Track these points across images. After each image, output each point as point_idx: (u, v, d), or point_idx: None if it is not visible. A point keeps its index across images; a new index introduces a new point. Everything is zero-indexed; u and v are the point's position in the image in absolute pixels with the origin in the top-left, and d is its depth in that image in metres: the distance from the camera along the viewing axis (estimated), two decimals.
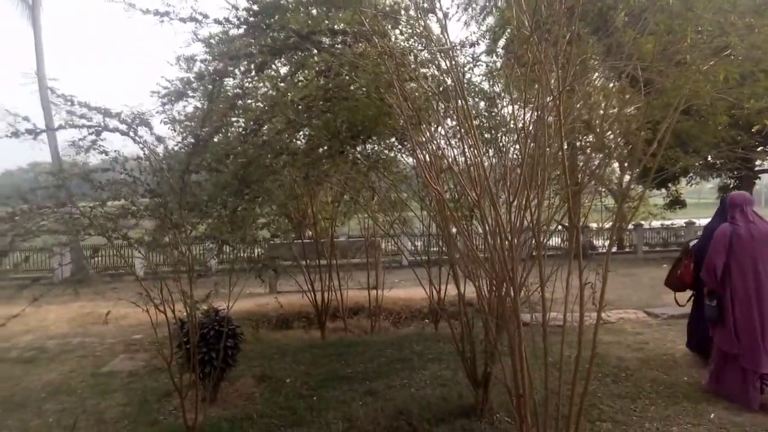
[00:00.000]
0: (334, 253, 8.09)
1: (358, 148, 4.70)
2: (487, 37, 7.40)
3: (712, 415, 4.38)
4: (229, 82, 4.14)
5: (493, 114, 5.00)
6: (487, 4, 10.47)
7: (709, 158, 15.63)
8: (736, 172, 16.48)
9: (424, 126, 3.51)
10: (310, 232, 8.69)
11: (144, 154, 3.98)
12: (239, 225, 5.48)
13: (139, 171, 3.90)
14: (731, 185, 17.31)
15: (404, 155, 5.29)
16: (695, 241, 5.76)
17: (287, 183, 5.61)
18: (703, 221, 22.11)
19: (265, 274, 5.21)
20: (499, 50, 6.08)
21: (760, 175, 16.15)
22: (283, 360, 6.27)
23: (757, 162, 16.14)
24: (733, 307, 4.72)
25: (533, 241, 3.66)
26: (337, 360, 6.18)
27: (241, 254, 6.98)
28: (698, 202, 24.11)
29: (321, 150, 4.36)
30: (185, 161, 3.59)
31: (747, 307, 4.66)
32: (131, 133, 3.81)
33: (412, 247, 8.29)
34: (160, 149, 4.17)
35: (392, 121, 3.54)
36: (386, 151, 5.16)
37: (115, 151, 3.84)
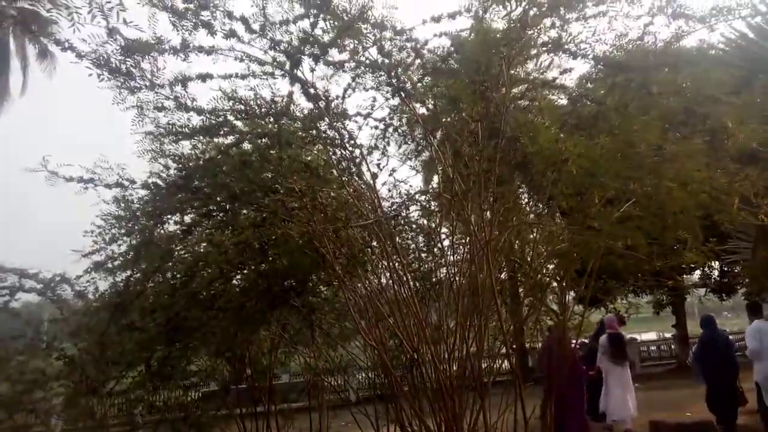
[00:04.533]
0: (272, 398, 7.58)
1: (296, 297, 4.60)
2: (421, 174, 7.79)
3: None
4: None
5: (431, 248, 5.10)
6: (422, 142, 11.20)
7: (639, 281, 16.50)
8: (667, 289, 17.33)
9: (360, 274, 3.50)
10: (248, 376, 8.17)
11: (61, 314, 3.74)
12: (165, 378, 5.11)
13: (54, 335, 3.64)
14: (664, 301, 18.06)
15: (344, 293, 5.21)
16: None
17: (220, 330, 5.35)
18: (645, 336, 22.69)
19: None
20: (433, 188, 6.36)
21: (689, 292, 16.97)
22: None
23: (684, 276, 17.14)
24: None
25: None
26: None
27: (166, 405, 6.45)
28: (636, 317, 24.91)
29: (254, 304, 4.23)
30: (105, 320, 3.38)
31: None
32: (48, 293, 3.60)
33: (359, 382, 7.93)
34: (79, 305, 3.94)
35: (325, 272, 3.51)
36: (324, 292, 5.06)
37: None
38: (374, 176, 3.14)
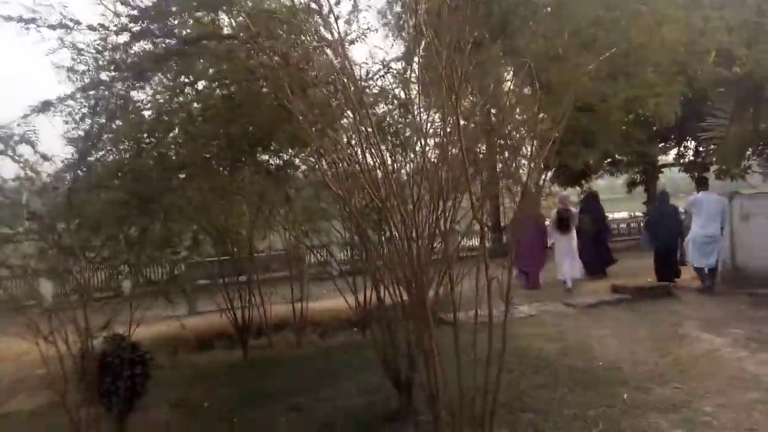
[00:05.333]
0: (253, 268, 7.84)
1: (265, 157, 4.55)
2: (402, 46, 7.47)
3: (625, 396, 4.55)
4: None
5: (407, 120, 5.01)
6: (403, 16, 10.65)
7: (616, 156, 16.72)
8: (641, 168, 17.68)
9: (329, 132, 3.43)
10: (230, 248, 8.37)
11: (26, 174, 3.65)
12: (143, 245, 5.16)
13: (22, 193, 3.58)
14: (638, 180, 18.49)
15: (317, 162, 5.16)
16: None
17: (197, 197, 5.35)
18: (617, 215, 23.51)
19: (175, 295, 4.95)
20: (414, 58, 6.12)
21: (662, 170, 17.31)
22: (201, 384, 5.96)
23: (660, 157, 17.41)
24: None
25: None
26: (260, 378, 5.95)
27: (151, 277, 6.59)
28: (611, 198, 25.74)
29: (221, 161, 4.16)
30: (71, 179, 3.31)
31: None
32: (9, 152, 3.49)
33: (339, 257, 8.21)
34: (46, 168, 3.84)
35: (293, 127, 3.40)
36: (296, 160, 5.02)
37: None
38: (344, 33, 2.97)
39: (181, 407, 5.20)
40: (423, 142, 4.27)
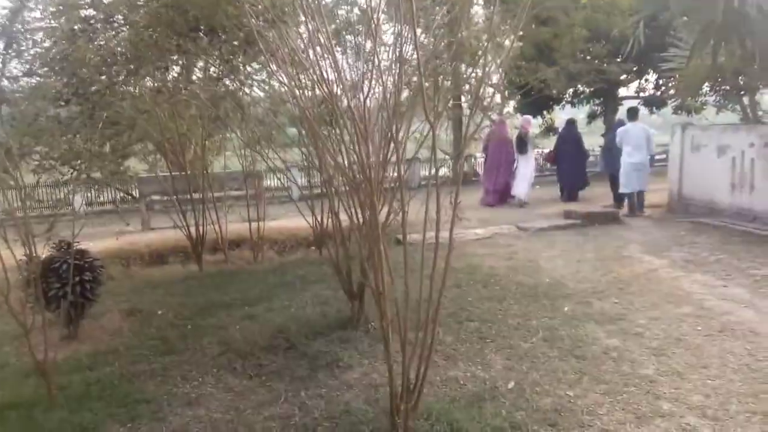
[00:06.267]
0: (208, 184, 7.68)
1: (203, 44, 4.25)
2: None
3: (566, 308, 4.79)
4: None
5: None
6: None
7: (579, 87, 16.78)
8: (601, 100, 17.84)
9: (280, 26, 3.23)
10: (184, 164, 8.12)
11: None
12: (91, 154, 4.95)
13: None
14: (599, 112, 18.70)
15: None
16: None
17: (143, 102, 5.08)
18: None
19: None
20: None
21: (622, 102, 17.48)
22: (154, 293, 5.95)
23: (620, 91, 17.55)
24: None
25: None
26: (215, 290, 5.98)
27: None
28: None
29: (163, 52, 3.90)
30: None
31: None
32: None
33: (299, 179, 8.08)
34: None
35: (236, 11, 3.18)
36: (239, 56, 4.72)
37: None
38: None
39: (133, 315, 5.21)
40: (377, 50, 4.11)
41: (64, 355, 4.23)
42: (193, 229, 7.29)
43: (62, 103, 3.59)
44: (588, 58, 11.07)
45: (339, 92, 2.92)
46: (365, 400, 3.31)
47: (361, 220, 3.85)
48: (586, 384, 3.48)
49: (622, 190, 9.40)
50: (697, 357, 3.77)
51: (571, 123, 12.49)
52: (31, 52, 3.32)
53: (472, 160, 20.42)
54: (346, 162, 3.33)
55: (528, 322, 4.52)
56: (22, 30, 3.04)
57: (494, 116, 19.12)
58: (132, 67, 3.76)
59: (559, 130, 18.11)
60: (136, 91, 4.51)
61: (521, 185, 11.44)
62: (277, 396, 3.52)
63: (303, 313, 4.90)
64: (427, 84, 3.13)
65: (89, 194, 13.43)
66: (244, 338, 4.43)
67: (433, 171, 2.86)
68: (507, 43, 5.30)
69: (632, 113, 9.77)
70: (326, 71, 2.92)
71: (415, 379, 2.83)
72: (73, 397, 3.50)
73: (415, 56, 3.73)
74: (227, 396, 3.58)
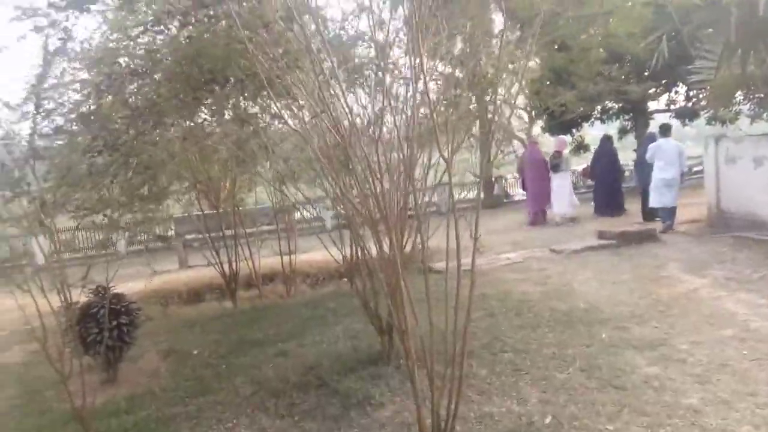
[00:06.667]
0: (240, 221, 7.85)
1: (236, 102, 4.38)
2: None
3: (603, 335, 4.65)
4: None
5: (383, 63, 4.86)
6: None
7: (607, 104, 16.59)
8: (630, 115, 17.55)
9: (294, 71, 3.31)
10: (216, 202, 8.33)
11: None
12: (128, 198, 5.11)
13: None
14: (629, 127, 18.39)
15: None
16: None
17: (172, 146, 5.26)
18: None
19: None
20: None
21: (653, 116, 17.16)
22: (191, 332, 6.06)
23: (652, 105, 17.26)
24: None
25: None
26: (248, 326, 6.04)
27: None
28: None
29: (185, 102, 4.03)
30: (32, 125, 3.22)
31: None
32: None
33: (331, 211, 8.17)
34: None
35: (248, 62, 3.26)
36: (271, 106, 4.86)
37: None
38: None
39: (170, 355, 5.30)
40: (392, 85, 4.13)
41: (103, 399, 4.32)
42: (226, 266, 7.43)
43: (94, 155, 3.75)
44: (608, 80, 11.06)
45: (350, 132, 2.96)
46: None
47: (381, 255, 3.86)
48: (627, 416, 3.35)
49: (651, 204, 9.38)
50: (744, 384, 3.60)
51: (606, 139, 12.59)
52: (61, 109, 3.48)
53: (503, 181, 20.35)
54: (359, 198, 3.35)
55: (564, 351, 4.40)
56: (49, 88, 3.21)
57: (525, 138, 19.59)
58: (156, 118, 3.91)
59: (590, 147, 17.94)
60: (164, 138, 4.67)
61: (558, 204, 11.73)
62: None
63: (334, 349, 4.90)
64: (439, 118, 3.13)
65: (128, 234, 13.92)
66: (276, 376, 4.44)
67: (458, 196, 2.85)
68: (525, 67, 5.29)
69: (664, 129, 9.69)
70: (340, 112, 2.97)
71: (446, 416, 2.79)
72: None
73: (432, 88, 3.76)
74: None
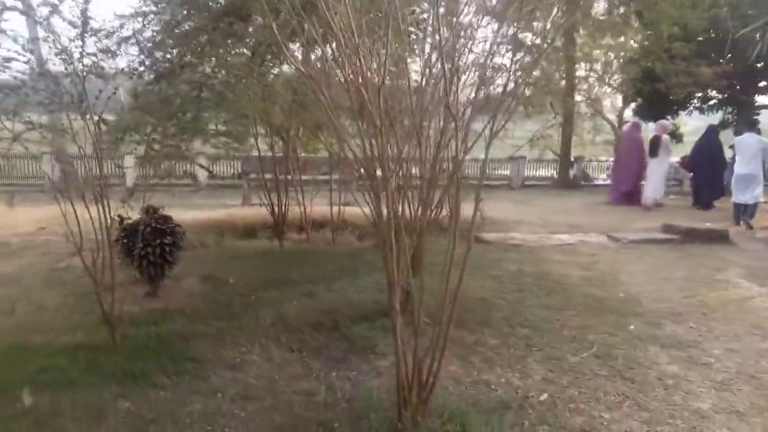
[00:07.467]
0: (298, 167, 8.08)
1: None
2: None
3: (632, 327, 4.46)
4: None
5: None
6: None
7: (709, 92, 15.23)
8: (734, 108, 16.06)
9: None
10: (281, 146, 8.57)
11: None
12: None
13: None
14: (730, 120, 16.88)
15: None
16: None
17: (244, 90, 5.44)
18: None
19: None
20: None
21: (759, 111, 15.62)
22: (234, 263, 6.39)
23: (757, 98, 15.68)
24: None
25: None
26: (286, 265, 6.28)
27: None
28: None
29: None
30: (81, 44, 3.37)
31: None
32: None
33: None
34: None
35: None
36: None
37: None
38: None
39: (209, 281, 5.63)
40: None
41: (140, 309, 4.70)
42: (277, 209, 7.71)
43: (153, 80, 3.96)
44: (711, 63, 10.16)
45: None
46: (388, 388, 3.34)
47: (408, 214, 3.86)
48: (627, 408, 3.23)
49: (732, 199, 9.16)
50: (766, 399, 3.35)
51: (712, 129, 12.28)
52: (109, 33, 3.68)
53: (582, 163, 19.44)
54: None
55: (584, 336, 4.27)
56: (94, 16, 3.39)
57: (615, 120, 18.90)
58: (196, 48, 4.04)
59: (685, 137, 16.77)
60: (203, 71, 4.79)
61: (650, 188, 11.78)
62: (309, 372, 3.66)
63: (357, 297, 5.01)
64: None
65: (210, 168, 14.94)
66: (296, 314, 4.63)
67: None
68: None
69: (750, 123, 9.53)
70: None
71: (427, 373, 2.82)
72: (133, 347, 3.88)
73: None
74: (267, 365, 3.78)
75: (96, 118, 3.55)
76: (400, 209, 3.50)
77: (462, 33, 4.24)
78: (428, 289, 2.93)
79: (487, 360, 3.85)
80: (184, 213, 8.33)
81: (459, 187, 3.10)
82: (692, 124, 19.90)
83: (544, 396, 3.35)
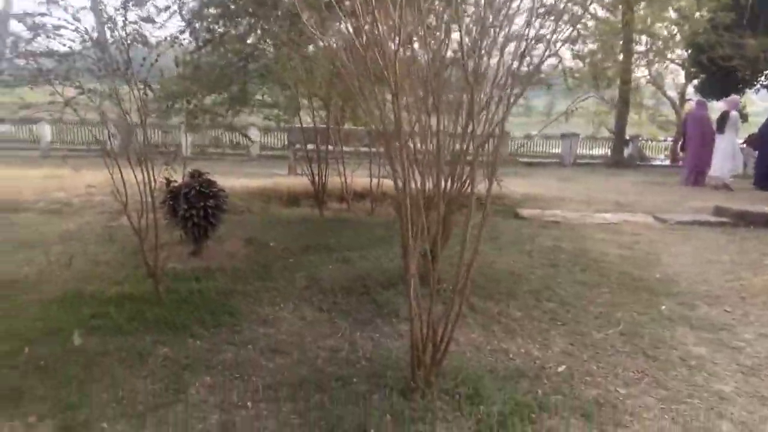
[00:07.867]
0: (341, 139, 8.23)
1: None
2: None
3: (663, 307, 4.40)
4: None
5: None
6: None
7: None
8: None
9: None
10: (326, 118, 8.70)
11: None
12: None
13: None
14: None
15: None
16: None
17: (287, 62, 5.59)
18: None
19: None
20: None
21: None
22: (275, 229, 6.64)
23: None
24: None
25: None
26: (325, 232, 6.48)
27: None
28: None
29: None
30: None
31: None
32: None
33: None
34: None
35: None
36: None
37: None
38: None
39: (251, 244, 5.89)
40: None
41: (183, 266, 5.00)
42: (317, 179, 7.92)
43: (199, 47, 4.13)
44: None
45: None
46: (406, 350, 3.46)
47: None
48: (645, 385, 3.24)
49: None
50: None
51: None
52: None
53: (639, 142, 18.73)
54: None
55: (612, 313, 4.25)
56: None
57: (677, 98, 18.28)
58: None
59: (750, 118, 15.91)
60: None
61: (718, 165, 11.36)
62: (336, 331, 3.84)
63: (389, 265, 5.14)
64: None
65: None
66: (330, 277, 4.81)
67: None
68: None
69: None
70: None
71: (441, 336, 2.93)
72: (175, 301, 4.17)
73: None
74: (298, 323, 3.99)
75: (141, 85, 3.78)
76: (420, 181, 3.58)
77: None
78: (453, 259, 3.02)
79: (509, 330, 3.91)
80: (235, 180, 8.70)
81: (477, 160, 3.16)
82: (760, 104, 18.75)
83: (562, 368, 3.40)
